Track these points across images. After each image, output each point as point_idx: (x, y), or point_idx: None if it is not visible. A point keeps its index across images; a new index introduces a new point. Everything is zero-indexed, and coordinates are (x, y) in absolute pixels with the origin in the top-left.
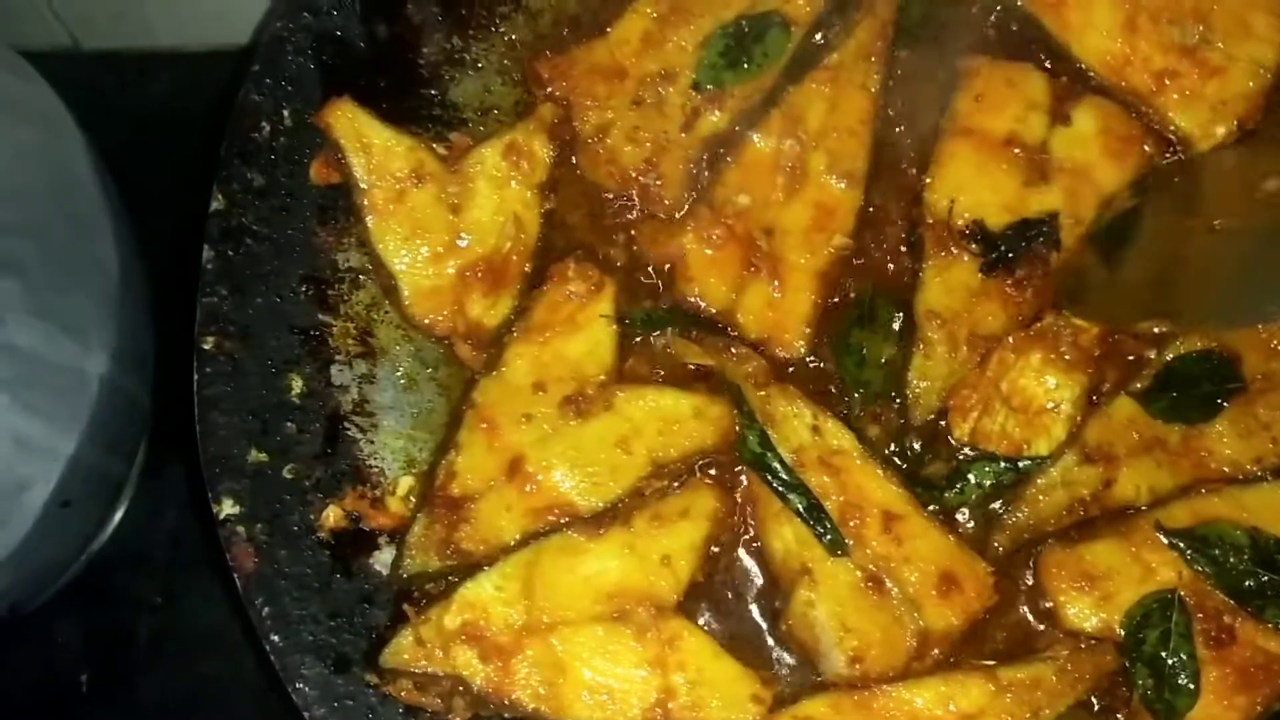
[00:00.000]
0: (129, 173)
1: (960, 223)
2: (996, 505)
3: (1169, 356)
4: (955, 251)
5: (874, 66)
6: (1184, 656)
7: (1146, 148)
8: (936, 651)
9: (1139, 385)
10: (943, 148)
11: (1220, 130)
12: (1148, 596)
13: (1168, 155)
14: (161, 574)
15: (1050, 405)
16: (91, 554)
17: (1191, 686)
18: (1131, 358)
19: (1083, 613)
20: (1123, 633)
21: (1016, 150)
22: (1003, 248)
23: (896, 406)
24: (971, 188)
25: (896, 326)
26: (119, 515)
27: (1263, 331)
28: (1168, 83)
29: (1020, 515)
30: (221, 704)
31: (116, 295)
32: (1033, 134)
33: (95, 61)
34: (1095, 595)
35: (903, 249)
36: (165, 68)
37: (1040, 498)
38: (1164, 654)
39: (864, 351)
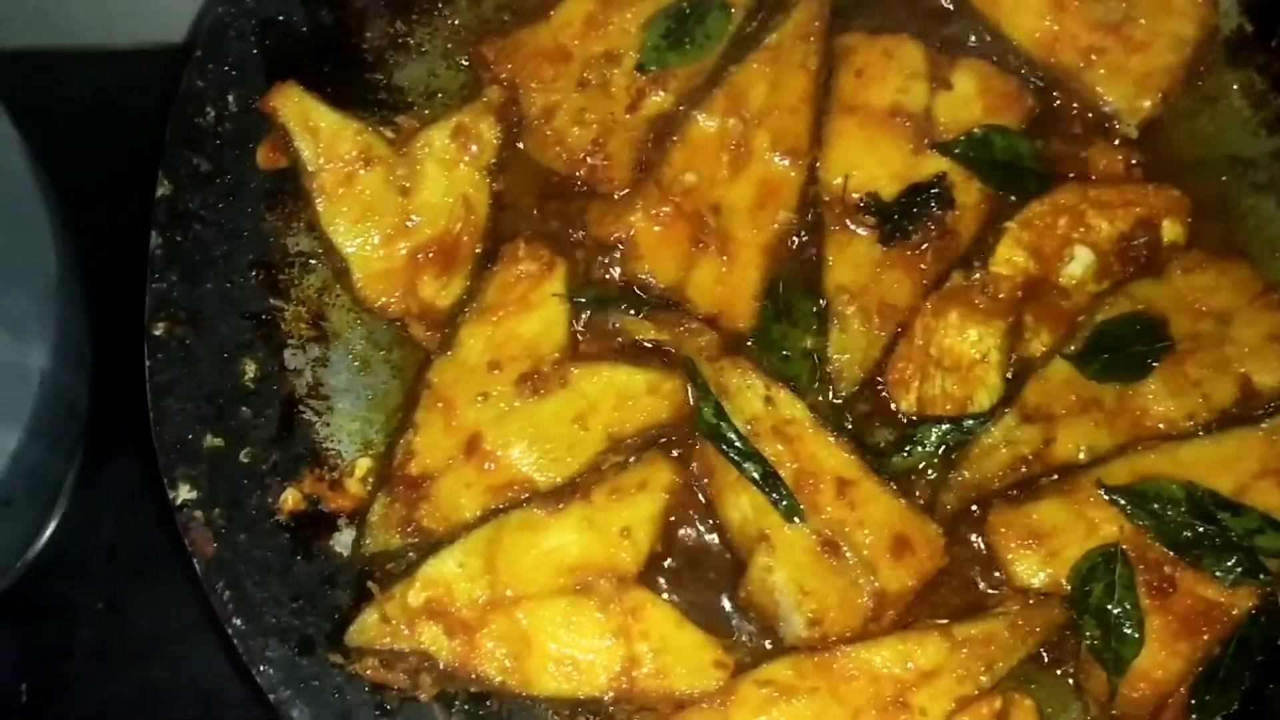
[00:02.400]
0: (55, 173)
1: (855, 197)
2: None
3: (1099, 319)
4: (853, 227)
5: (812, 46)
6: (1128, 606)
7: (1029, 101)
8: (893, 612)
9: (1072, 348)
10: (831, 126)
11: (1146, 103)
12: (1092, 551)
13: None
14: (101, 581)
15: (979, 356)
16: (27, 562)
17: (1137, 635)
18: (1064, 302)
19: (1030, 569)
20: (1069, 587)
21: (902, 120)
22: (896, 216)
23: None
24: (862, 162)
25: (814, 310)
26: (55, 521)
27: (1186, 293)
28: (1094, 58)
29: (966, 475)
30: (164, 711)
31: (55, 291)
32: (915, 102)
33: (15, 60)
34: (1042, 552)
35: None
36: (89, 66)
37: (984, 458)
38: (1109, 605)
39: (786, 346)
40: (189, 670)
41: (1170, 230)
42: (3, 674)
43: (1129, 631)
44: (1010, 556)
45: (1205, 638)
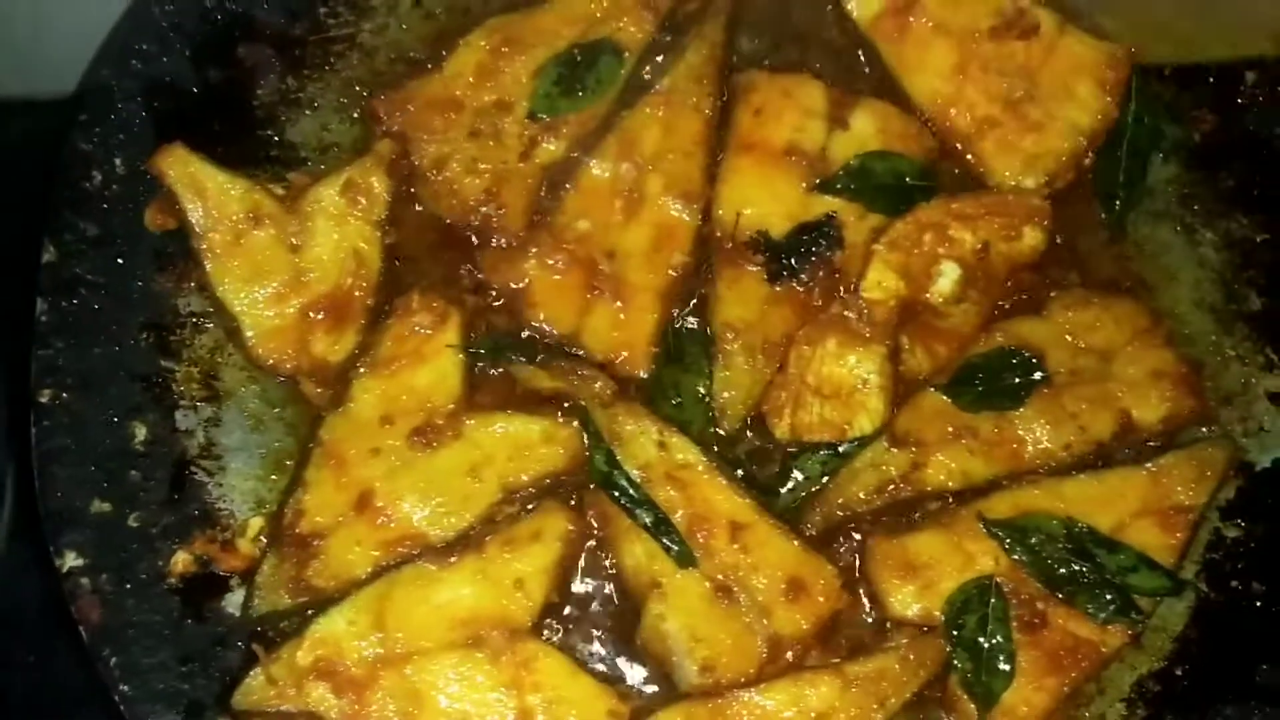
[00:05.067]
0: None
1: (746, 235)
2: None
3: (971, 352)
4: (743, 264)
5: (706, 89)
6: (1000, 640)
7: (929, 141)
8: (789, 656)
9: (941, 380)
10: (726, 164)
11: (1030, 181)
12: (967, 584)
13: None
14: (32, 633)
15: (860, 384)
16: None
17: (1008, 669)
18: (939, 322)
19: (905, 600)
20: (943, 618)
21: (798, 159)
22: (785, 255)
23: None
24: (756, 200)
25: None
26: None
27: (1067, 330)
28: (987, 130)
29: (830, 496)
30: None
31: None
32: (812, 141)
33: None
34: (918, 583)
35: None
36: (4, 117)
37: (851, 480)
38: (981, 638)
39: (678, 391)
40: None
41: (1031, 236)
42: None
43: (1000, 665)
44: (885, 587)
45: (1073, 674)
